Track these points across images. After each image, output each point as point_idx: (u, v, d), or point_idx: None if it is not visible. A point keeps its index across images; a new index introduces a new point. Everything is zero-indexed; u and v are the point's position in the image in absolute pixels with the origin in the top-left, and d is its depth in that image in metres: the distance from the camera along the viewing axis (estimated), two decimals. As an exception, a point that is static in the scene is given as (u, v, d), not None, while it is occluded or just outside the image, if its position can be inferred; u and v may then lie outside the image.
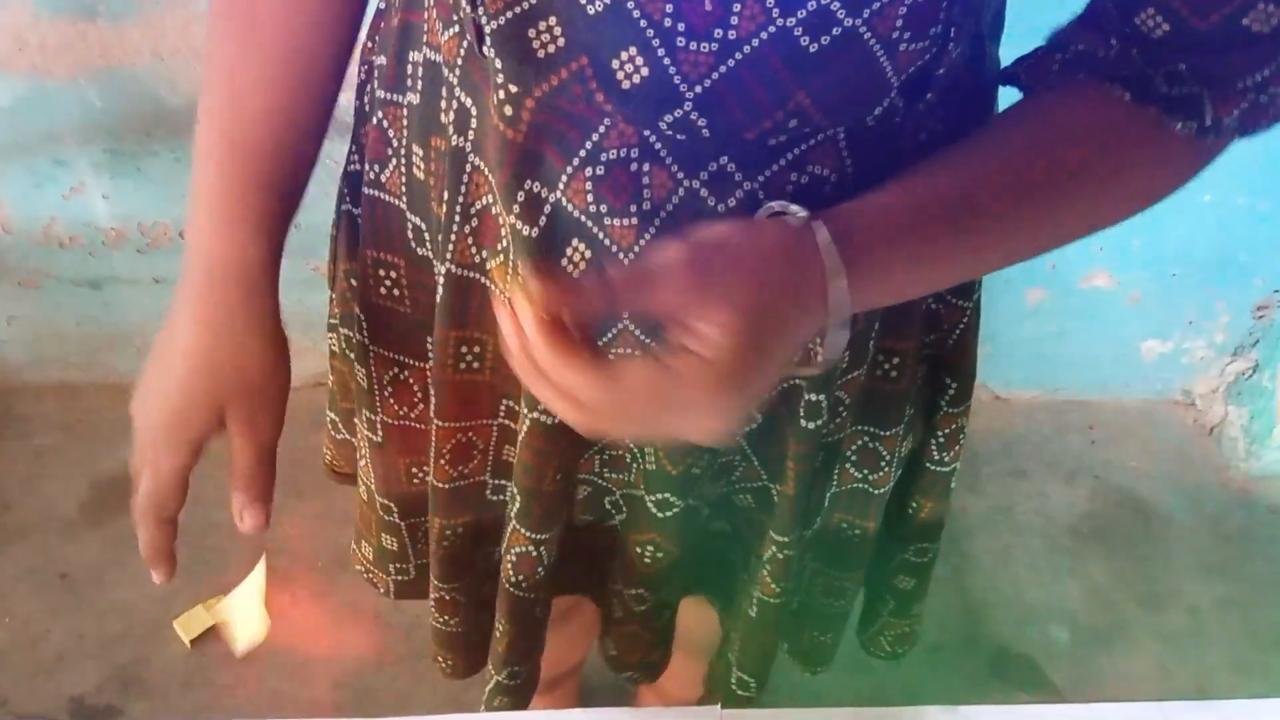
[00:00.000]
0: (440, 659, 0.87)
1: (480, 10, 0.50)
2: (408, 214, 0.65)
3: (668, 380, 0.45)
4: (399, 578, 0.87)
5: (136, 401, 0.63)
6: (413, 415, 0.74)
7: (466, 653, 0.86)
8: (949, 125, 0.57)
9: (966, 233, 0.52)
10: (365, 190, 0.67)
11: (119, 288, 1.72)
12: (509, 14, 0.49)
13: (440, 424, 0.70)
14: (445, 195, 0.61)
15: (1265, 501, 1.90)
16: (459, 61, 0.56)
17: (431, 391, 0.69)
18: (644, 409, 0.46)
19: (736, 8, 0.46)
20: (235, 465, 0.63)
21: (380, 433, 0.76)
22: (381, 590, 0.89)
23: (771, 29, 0.46)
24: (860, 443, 0.73)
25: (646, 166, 0.54)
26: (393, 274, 0.68)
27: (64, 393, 1.85)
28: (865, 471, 0.74)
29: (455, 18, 0.54)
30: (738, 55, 0.47)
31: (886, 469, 0.74)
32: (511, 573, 0.74)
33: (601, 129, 0.53)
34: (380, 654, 1.54)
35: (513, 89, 0.52)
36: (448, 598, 0.81)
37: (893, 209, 0.51)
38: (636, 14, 0.47)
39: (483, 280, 0.63)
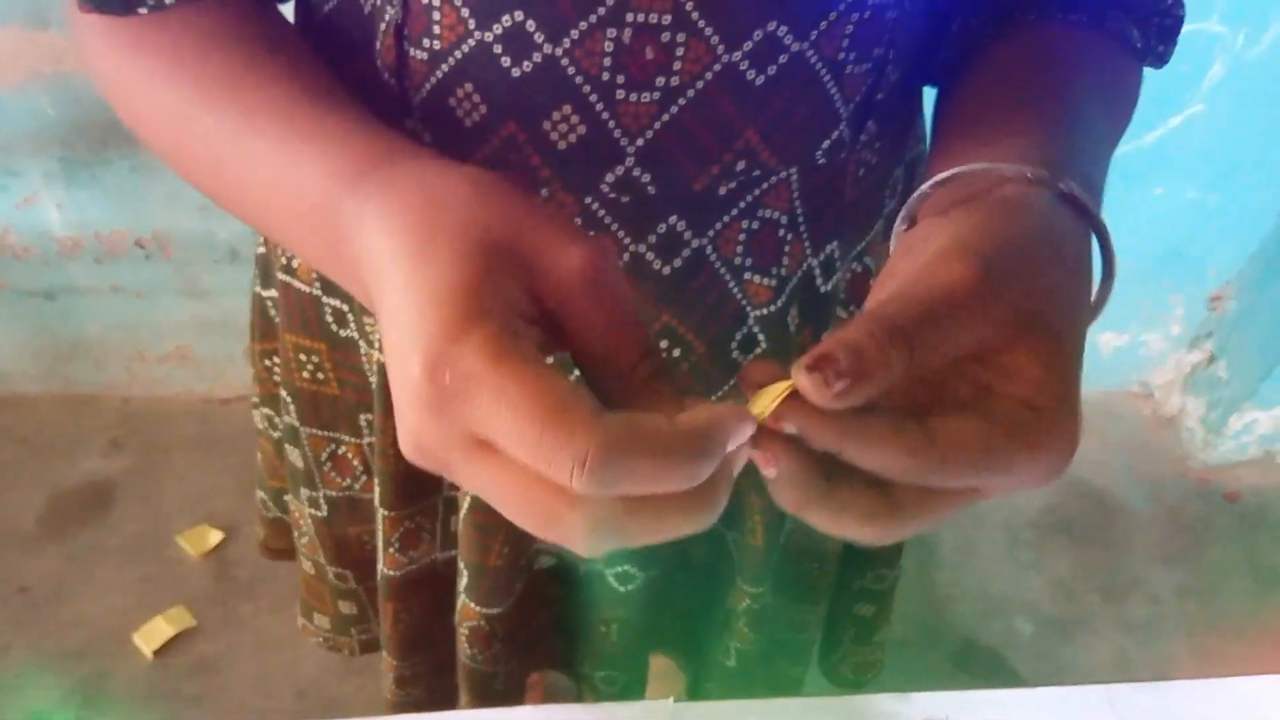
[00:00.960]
0: None
1: (407, 83, 0.47)
2: (323, 299, 0.62)
3: (997, 439, 0.33)
4: (363, 637, 0.85)
5: (396, 384, 0.32)
6: (356, 486, 0.72)
7: (426, 710, 0.84)
8: (883, 157, 0.56)
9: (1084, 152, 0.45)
10: (279, 276, 0.64)
11: (76, 298, 1.70)
12: (429, 83, 0.46)
13: (388, 513, 0.67)
14: None
15: (1223, 490, 1.93)
16: None
17: (376, 482, 0.66)
18: (969, 479, 0.33)
19: (680, 51, 0.44)
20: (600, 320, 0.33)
21: (325, 507, 0.73)
22: (346, 652, 0.86)
23: (717, 67, 0.45)
24: None
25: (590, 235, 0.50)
26: (315, 359, 0.65)
27: (21, 405, 1.83)
28: None
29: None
30: (681, 100, 0.45)
31: None
32: (467, 646, 0.72)
33: (541, 200, 0.49)
34: (344, 662, 1.52)
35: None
36: (407, 673, 0.79)
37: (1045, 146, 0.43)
38: (571, 70, 0.44)
39: None
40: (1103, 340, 1.99)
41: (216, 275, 1.67)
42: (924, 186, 0.41)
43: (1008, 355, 0.34)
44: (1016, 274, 0.34)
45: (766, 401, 0.32)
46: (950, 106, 0.51)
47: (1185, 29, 0.53)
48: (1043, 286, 0.35)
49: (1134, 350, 2.01)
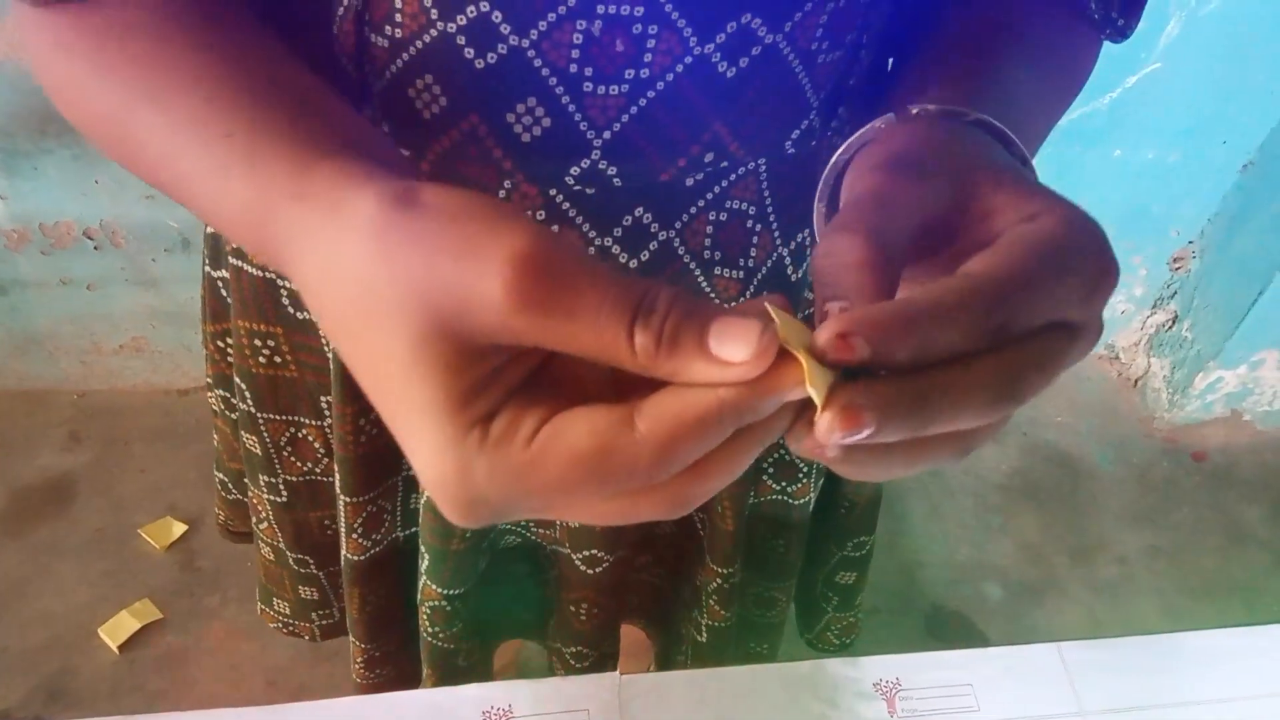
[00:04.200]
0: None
1: (367, 70, 0.45)
2: (278, 281, 0.60)
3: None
4: (324, 622, 0.84)
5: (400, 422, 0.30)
6: (318, 470, 0.71)
7: (395, 688, 0.84)
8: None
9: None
10: (230, 259, 0.62)
11: (25, 291, 1.67)
12: (389, 72, 0.45)
13: (349, 500, 0.66)
14: None
15: (1189, 450, 1.94)
16: None
17: (336, 470, 0.65)
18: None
19: (651, 43, 0.43)
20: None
21: (285, 493, 0.72)
22: (307, 638, 0.86)
23: (688, 59, 0.43)
24: (776, 454, 0.70)
25: (554, 229, 0.49)
26: (270, 343, 0.63)
27: (-23, 402, 1.80)
28: (783, 484, 0.71)
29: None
30: (650, 93, 0.44)
31: (805, 480, 0.71)
32: (428, 624, 0.72)
33: (502, 193, 0.48)
34: (314, 649, 1.52)
35: (404, 154, 0.47)
36: (376, 654, 0.79)
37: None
38: (538, 63, 0.43)
39: None
40: (1067, 303, 1.99)
41: (168, 264, 1.64)
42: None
43: (977, 216, 0.34)
44: (924, 158, 0.35)
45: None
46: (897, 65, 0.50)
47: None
48: (959, 159, 0.36)
49: (1099, 313, 2.01)
